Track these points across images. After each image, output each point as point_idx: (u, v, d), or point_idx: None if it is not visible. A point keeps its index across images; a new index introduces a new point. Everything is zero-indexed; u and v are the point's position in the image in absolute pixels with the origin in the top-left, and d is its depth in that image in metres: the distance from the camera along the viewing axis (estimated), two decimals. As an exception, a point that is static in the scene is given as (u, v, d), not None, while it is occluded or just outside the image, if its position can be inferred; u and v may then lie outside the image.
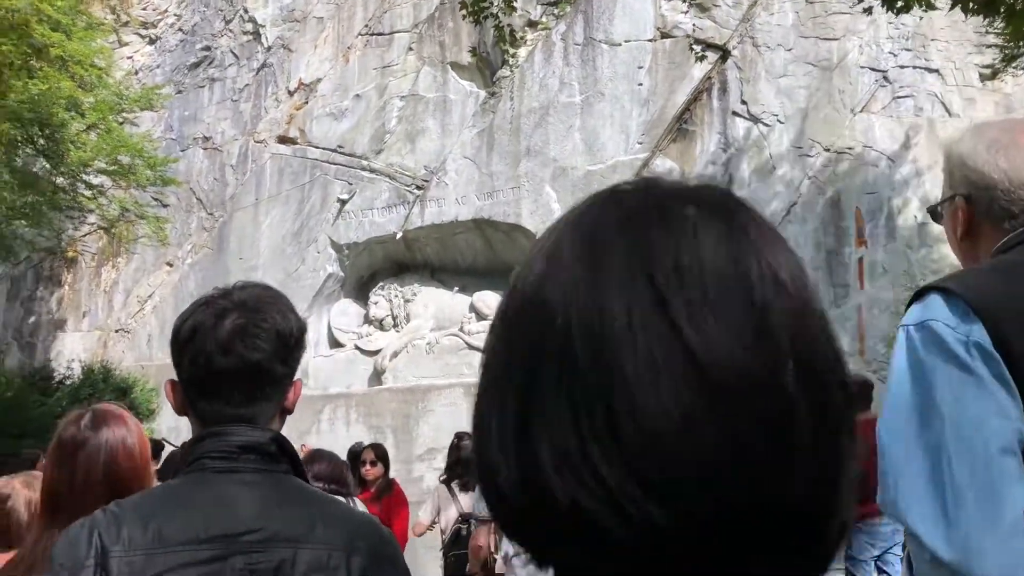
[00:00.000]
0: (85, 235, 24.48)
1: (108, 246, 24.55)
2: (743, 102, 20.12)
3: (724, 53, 20.64)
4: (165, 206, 22.39)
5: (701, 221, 0.66)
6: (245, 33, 24.54)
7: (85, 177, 15.74)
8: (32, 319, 24.63)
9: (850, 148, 19.58)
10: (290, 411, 1.79)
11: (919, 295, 1.69)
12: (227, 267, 23.37)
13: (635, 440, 0.60)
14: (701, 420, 0.59)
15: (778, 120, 19.83)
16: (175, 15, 24.93)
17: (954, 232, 1.90)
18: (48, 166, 15.54)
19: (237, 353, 1.65)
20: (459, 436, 7.60)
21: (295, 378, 1.79)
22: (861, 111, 19.79)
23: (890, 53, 19.70)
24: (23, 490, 3.14)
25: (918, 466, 1.36)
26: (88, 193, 16.40)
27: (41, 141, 14.14)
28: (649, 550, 0.58)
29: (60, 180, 16.30)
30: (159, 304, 24.23)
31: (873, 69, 19.67)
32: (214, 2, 24.79)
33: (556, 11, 21.58)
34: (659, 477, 0.58)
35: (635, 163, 20.25)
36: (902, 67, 19.67)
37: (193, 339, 1.68)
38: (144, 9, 24.46)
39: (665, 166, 20.22)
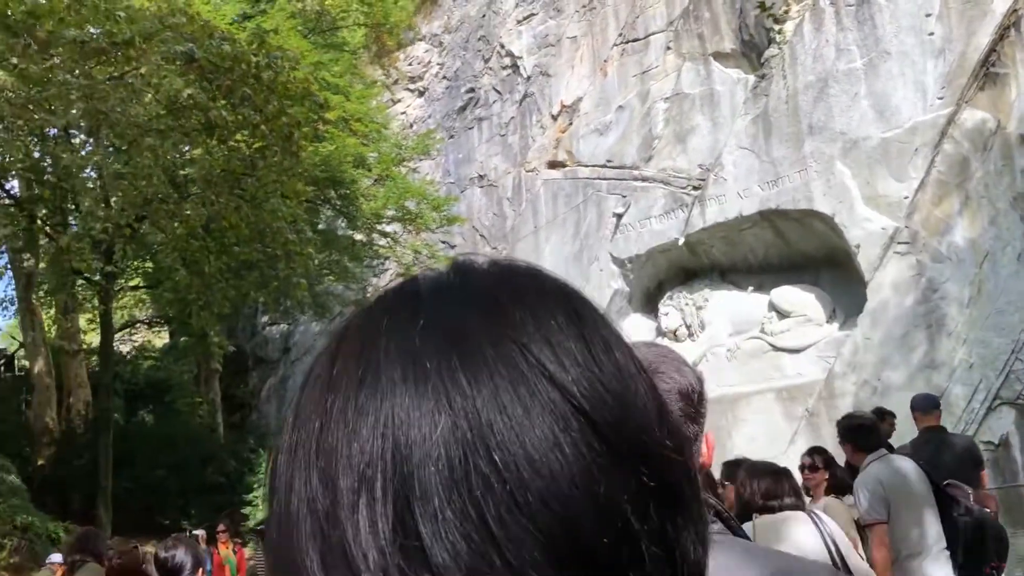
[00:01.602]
0: (387, 284, 26.08)
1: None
2: (1063, 27, 17.28)
3: (1029, -23, 17.89)
4: (452, 247, 23.18)
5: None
6: (504, 68, 25.07)
7: (379, 227, 16.59)
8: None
9: None
10: (708, 466, 1.70)
11: None
12: (516, 297, 23.75)
13: None
14: None
15: (1112, 40, 16.81)
16: (438, 64, 26.03)
17: None
18: (344, 223, 16.56)
19: None
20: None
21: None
22: None
23: None
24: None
25: None
26: (383, 242, 17.28)
27: (336, 200, 15.09)
28: None
29: (357, 235, 17.30)
30: (459, 341, 25.02)
31: None
32: (472, 44, 25.60)
33: (821, -26, 19.85)
34: None
35: (938, 121, 17.97)
36: None
37: None
38: (410, 65, 25.77)
39: (975, 119, 17.76)
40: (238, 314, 20.75)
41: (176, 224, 9.49)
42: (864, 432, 6.02)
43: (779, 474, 4.70)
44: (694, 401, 1.62)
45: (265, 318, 27.89)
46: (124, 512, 18.90)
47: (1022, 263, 17.04)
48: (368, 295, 25.38)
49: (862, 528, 6.14)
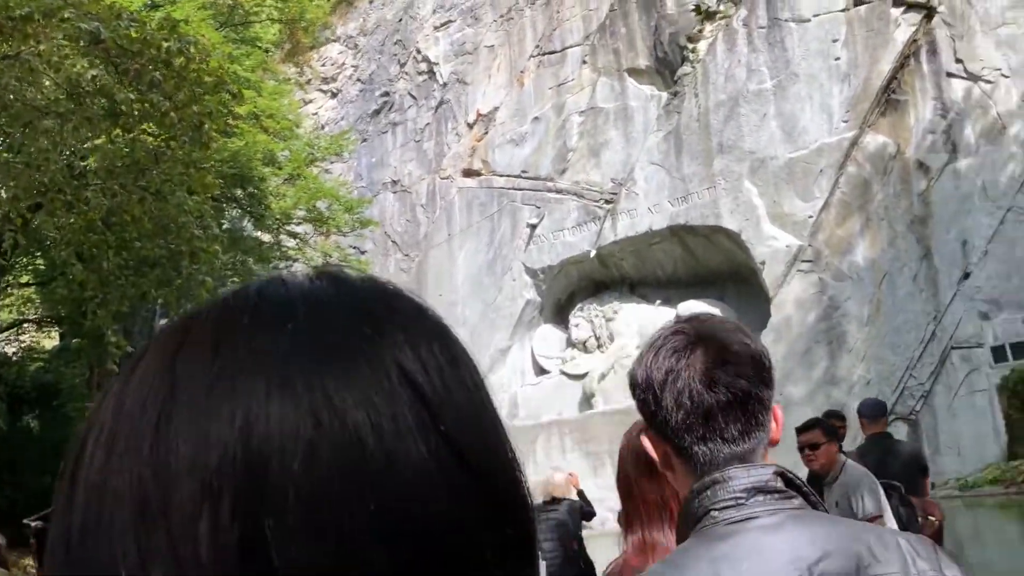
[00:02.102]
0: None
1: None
2: (958, 60, 18.07)
3: (928, 11, 18.70)
4: (363, 252, 22.80)
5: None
6: (420, 73, 24.84)
7: (288, 227, 16.13)
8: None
9: (1096, 93, 17.12)
10: (776, 442, 1.59)
11: None
12: (427, 305, 23.49)
13: None
14: None
15: (1002, 75, 17.62)
16: (352, 66, 25.64)
17: None
18: (251, 223, 16.05)
19: (723, 383, 1.55)
20: None
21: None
22: (1104, 49, 17.29)
23: None
24: None
25: None
26: (292, 243, 16.81)
27: (243, 199, 14.58)
28: None
29: (265, 236, 16.80)
30: (366, 348, 24.57)
31: (1116, -3, 17.17)
32: (388, 47, 25.30)
33: (734, -3, 20.33)
34: None
35: (843, 143, 18.60)
36: None
37: (667, 380, 1.58)
38: (324, 65, 25.31)
39: (877, 143, 18.45)
40: (135, 315, 19.85)
41: (73, 216, 8.94)
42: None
43: None
44: (766, 366, 1.59)
45: (163, 321, 26.84)
46: (6, 522, 17.82)
47: (917, 284, 17.76)
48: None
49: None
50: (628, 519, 2.41)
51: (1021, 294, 16.79)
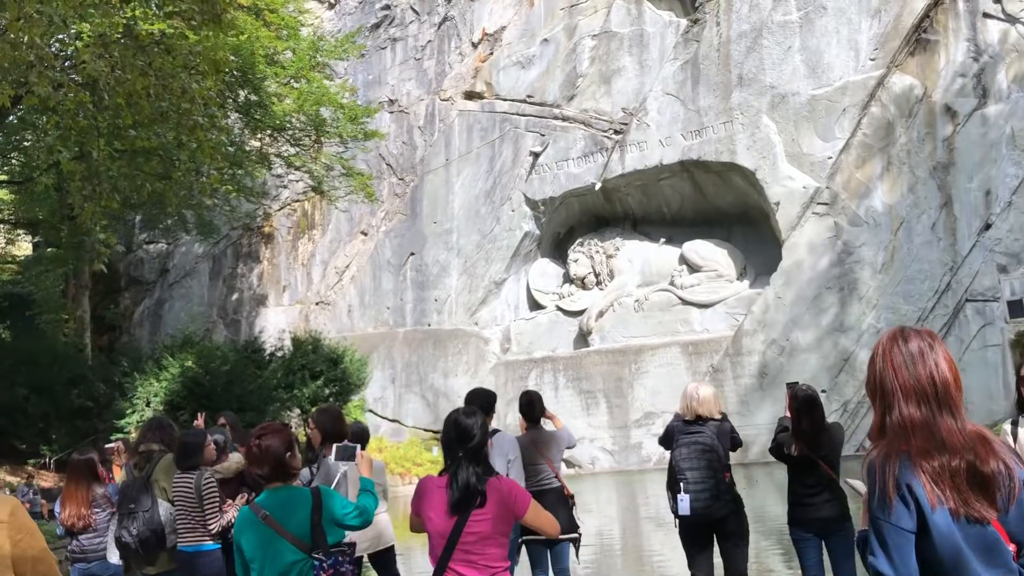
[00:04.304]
0: (280, 209, 24.39)
1: (303, 219, 24.37)
2: (996, 1, 17.24)
3: (967, -53, 17.77)
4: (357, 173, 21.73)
5: None
6: (424, -13, 23.54)
7: (288, 133, 15.05)
8: (235, 296, 24.84)
9: None
10: None
11: None
12: (422, 232, 22.61)
13: None
14: None
15: (1042, 17, 16.85)
16: (353, -25, 24.26)
17: None
18: (247, 133, 14.99)
19: None
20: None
21: None
22: None
23: None
24: None
25: None
26: (293, 151, 15.73)
27: (243, 97, 13.48)
28: None
29: (264, 144, 15.74)
30: (356, 274, 23.82)
31: None
32: (391, -43, 23.92)
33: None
34: None
35: (868, 82, 17.75)
36: None
37: None
38: (322, -27, 23.92)
39: (904, 84, 17.62)
40: (119, 221, 18.82)
41: (62, 93, 7.86)
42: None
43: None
44: None
45: (144, 235, 25.76)
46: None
47: (935, 233, 17.13)
48: (266, 210, 23.62)
49: None
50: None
51: (1043, 248, 16.24)
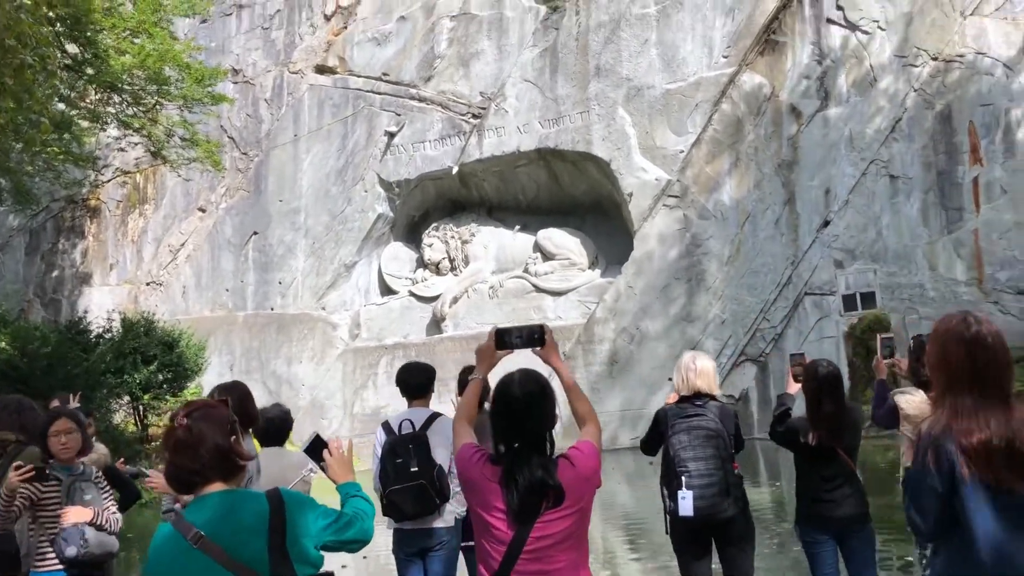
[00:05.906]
0: (109, 181, 22.56)
1: (134, 192, 22.62)
2: (839, 7, 18.01)
3: (814, -46, 18.55)
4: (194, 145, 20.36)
5: None
6: (274, -47, 22.34)
7: (127, 88, 13.72)
8: (55, 273, 22.78)
9: (960, 56, 17.46)
10: None
11: None
12: (266, 210, 21.46)
13: None
14: None
15: (879, 27, 17.74)
16: (196, -65, 22.71)
17: None
18: (79, 90, 13.59)
19: None
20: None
21: None
22: (972, 14, 17.64)
23: (1015, -57, 17.55)
24: None
25: None
26: (131, 111, 14.37)
27: (76, 49, 12.11)
28: None
29: (96, 104, 14.33)
30: (193, 253, 22.33)
31: (996, -38, 17.55)
32: (239, -82, 22.56)
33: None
34: None
35: (720, 79, 18.21)
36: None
37: None
38: (162, -70, 22.24)
39: (753, 82, 18.20)
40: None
41: None
42: None
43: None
44: None
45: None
46: None
47: (779, 228, 17.78)
48: (94, 180, 21.69)
49: None
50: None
51: (875, 246, 17.14)
